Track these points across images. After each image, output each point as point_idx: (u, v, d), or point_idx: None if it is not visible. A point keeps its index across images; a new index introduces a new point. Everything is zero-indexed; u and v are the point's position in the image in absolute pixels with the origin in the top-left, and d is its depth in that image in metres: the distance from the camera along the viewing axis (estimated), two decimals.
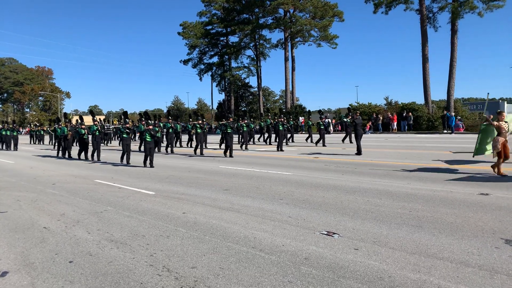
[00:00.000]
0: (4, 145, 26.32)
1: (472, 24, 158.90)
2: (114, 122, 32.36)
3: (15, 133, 25.96)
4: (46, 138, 33.85)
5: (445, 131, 28.54)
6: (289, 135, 22.34)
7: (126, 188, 8.71)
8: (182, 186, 8.74)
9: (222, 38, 55.45)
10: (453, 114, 29.23)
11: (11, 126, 27.78)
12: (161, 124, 18.78)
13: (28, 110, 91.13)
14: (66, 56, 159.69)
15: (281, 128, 17.79)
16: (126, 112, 16.21)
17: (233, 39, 54.36)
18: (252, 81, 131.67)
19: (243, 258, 4.04)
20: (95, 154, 15.51)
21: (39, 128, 34.63)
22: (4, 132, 26.16)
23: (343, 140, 20.40)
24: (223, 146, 20.18)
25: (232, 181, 9.19)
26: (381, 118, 33.09)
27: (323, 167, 11.35)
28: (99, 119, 23.94)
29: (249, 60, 54.20)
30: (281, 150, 17.10)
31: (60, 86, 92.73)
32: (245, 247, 4.38)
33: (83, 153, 16.33)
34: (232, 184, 8.76)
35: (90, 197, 7.74)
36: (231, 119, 15.59)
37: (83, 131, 15.91)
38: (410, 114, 31.88)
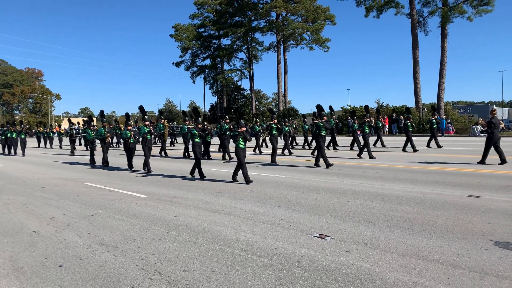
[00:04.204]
0: (9, 149, 22.73)
1: (462, 28, 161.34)
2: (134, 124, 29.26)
3: (22, 136, 22.33)
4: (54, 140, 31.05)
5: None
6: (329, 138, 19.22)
7: (117, 191, 8.64)
8: (174, 189, 8.69)
9: (214, 41, 55.56)
10: (443, 117, 29.58)
11: (18, 127, 23.51)
12: (218, 126, 16.14)
13: (17, 112, 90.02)
14: (56, 57, 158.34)
15: (367, 130, 14.69)
16: (196, 107, 12.40)
17: (226, 41, 54.59)
18: (245, 83, 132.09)
19: (235, 261, 4.03)
20: (146, 162, 12.21)
21: (48, 130, 31.32)
22: (9, 135, 22.44)
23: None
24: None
25: (225, 184, 9.17)
26: (373, 121, 33.33)
27: (315, 170, 11.38)
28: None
29: (242, 62, 54.49)
30: (373, 157, 13.89)
31: (50, 88, 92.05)
32: (237, 250, 4.37)
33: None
34: (225, 187, 8.74)
35: (80, 200, 7.66)
36: (325, 117, 12.26)
37: (128, 134, 12.78)
38: (401, 117, 32.16)
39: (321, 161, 11.89)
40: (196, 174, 10.56)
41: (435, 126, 17.57)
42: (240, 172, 9.33)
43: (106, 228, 5.53)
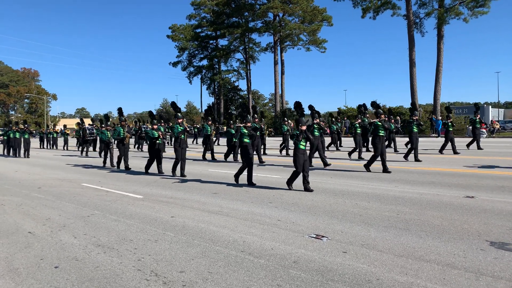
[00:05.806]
0: (12, 151, 21.57)
1: (458, 28, 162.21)
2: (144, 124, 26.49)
3: (26, 136, 20.92)
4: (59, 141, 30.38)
5: (432, 135, 29.00)
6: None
7: (113, 192, 8.61)
8: (170, 190, 8.67)
9: (211, 41, 55.52)
10: (439, 118, 29.71)
11: (21, 127, 22.24)
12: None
13: (13, 112, 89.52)
14: (53, 57, 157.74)
15: (415, 129, 13.51)
16: (245, 104, 10.92)
17: (223, 42, 54.59)
18: (242, 84, 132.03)
19: (232, 262, 4.02)
20: (178, 166, 10.95)
21: (50, 130, 30.50)
22: (12, 135, 21.19)
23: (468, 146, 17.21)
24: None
25: (221, 185, 9.15)
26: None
27: (311, 170, 11.38)
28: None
29: (239, 63, 54.45)
30: (418, 160, 12.93)
31: (46, 88, 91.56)
32: (234, 251, 4.36)
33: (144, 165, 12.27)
34: (221, 188, 8.73)
35: (76, 201, 7.62)
36: (382, 115, 11.16)
37: (156, 134, 11.52)
38: (398, 117, 32.26)
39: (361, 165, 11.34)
40: (244, 179, 9.26)
41: (478, 126, 16.89)
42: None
43: (102, 229, 5.51)
